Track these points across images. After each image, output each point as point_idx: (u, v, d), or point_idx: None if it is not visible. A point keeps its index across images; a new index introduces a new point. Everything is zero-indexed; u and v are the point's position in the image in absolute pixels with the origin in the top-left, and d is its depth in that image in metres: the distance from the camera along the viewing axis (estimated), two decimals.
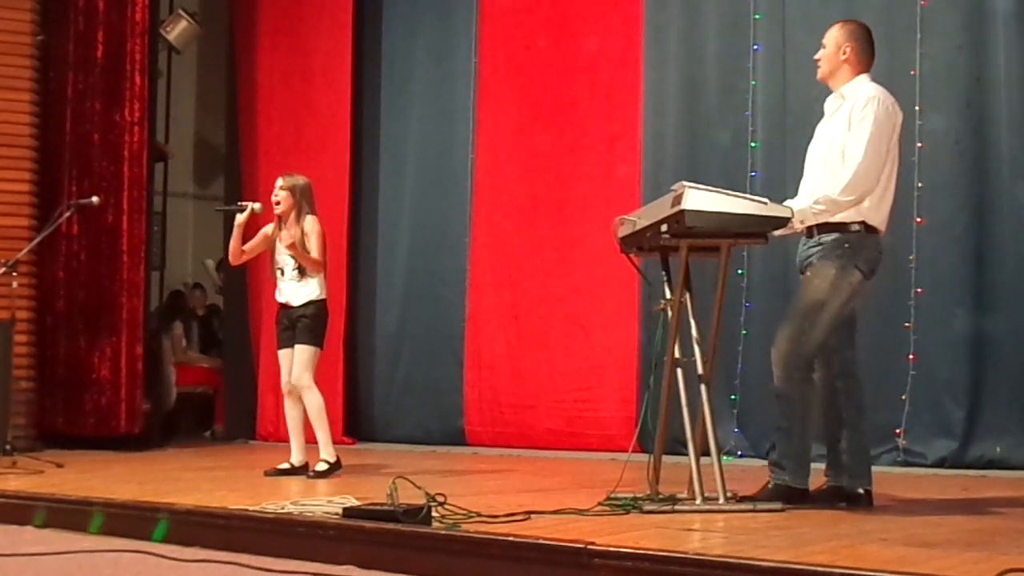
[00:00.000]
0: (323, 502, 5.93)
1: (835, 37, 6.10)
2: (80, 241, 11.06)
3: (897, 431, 8.27)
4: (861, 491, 5.94)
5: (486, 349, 10.70)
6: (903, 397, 8.28)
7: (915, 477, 7.76)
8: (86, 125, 11.13)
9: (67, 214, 9.81)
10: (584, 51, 10.21)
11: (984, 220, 8.19)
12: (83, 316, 11.02)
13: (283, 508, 5.72)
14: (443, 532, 4.92)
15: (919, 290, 8.30)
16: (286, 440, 11.36)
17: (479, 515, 5.23)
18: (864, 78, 6.04)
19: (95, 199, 9.60)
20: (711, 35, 9.54)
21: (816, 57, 6.17)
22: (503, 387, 10.54)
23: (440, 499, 5.32)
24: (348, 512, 5.37)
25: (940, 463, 8.10)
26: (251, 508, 5.78)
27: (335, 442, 8.16)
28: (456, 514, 5.24)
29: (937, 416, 8.22)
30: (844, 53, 6.05)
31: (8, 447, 8.97)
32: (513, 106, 10.70)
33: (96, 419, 10.91)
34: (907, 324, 8.30)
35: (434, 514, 5.15)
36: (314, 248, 8.02)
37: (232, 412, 12.59)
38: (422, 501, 5.19)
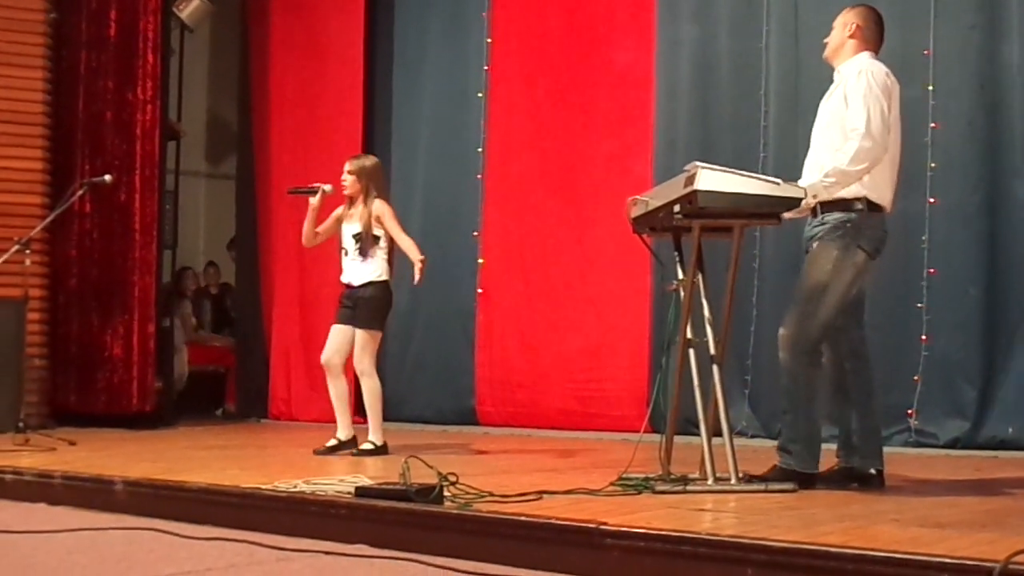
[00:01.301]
0: (335, 481, 5.94)
1: (843, 17, 6.14)
2: (93, 219, 11.07)
3: (909, 412, 8.26)
4: (873, 472, 5.95)
5: (498, 329, 10.70)
6: (915, 378, 8.27)
7: (927, 458, 7.76)
8: (98, 103, 11.13)
9: (80, 192, 9.81)
10: (597, 31, 10.18)
11: (997, 200, 8.17)
12: (95, 294, 11.03)
13: (295, 487, 5.74)
14: (455, 512, 4.94)
15: (932, 270, 8.28)
16: (298, 419, 11.49)
17: (491, 495, 5.24)
18: (864, 56, 6.03)
19: (108, 177, 9.60)
20: (724, 15, 9.51)
21: (825, 40, 6.19)
22: (515, 367, 10.54)
23: (452, 479, 5.34)
24: (360, 491, 5.38)
25: (952, 444, 8.10)
26: (264, 487, 5.80)
27: (359, 421, 8.19)
28: (468, 494, 5.25)
29: (949, 397, 8.21)
30: (849, 30, 6.07)
31: (21, 424, 8.97)
32: (525, 86, 10.67)
33: (108, 397, 10.92)
34: (919, 304, 8.28)
35: (446, 494, 5.16)
36: (392, 229, 8.08)
37: (244, 391, 12.62)
38: (434, 481, 5.20)
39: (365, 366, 8.03)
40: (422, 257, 7.95)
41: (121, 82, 11.10)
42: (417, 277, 7.93)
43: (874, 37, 6.10)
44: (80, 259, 11.08)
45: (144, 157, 11.03)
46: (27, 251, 9.25)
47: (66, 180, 10.62)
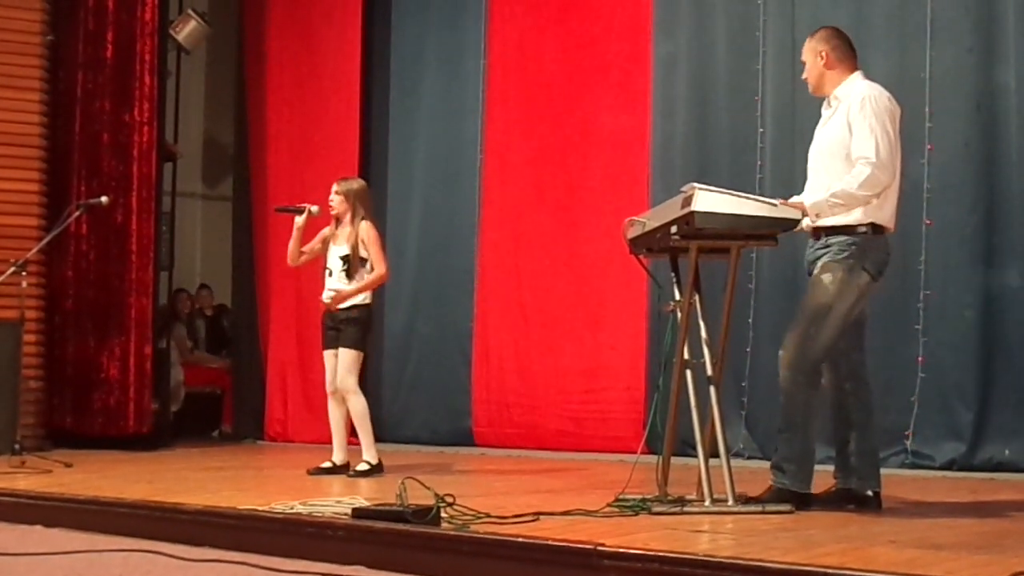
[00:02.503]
0: (332, 502, 5.94)
1: (810, 48, 6.12)
2: (89, 241, 11.07)
3: (906, 433, 8.25)
4: (870, 493, 5.95)
5: (494, 349, 10.70)
6: (912, 399, 8.26)
7: (924, 479, 7.75)
8: (95, 125, 11.13)
9: (76, 214, 9.81)
10: (593, 51, 10.20)
11: (993, 222, 8.17)
12: (92, 316, 11.02)
13: (292, 508, 5.73)
14: (452, 533, 4.93)
15: (928, 292, 8.28)
16: (294, 440, 11.48)
17: (488, 516, 5.24)
18: (856, 76, 6.04)
19: (104, 199, 9.59)
20: (720, 36, 9.53)
21: (804, 76, 6.18)
22: (511, 387, 10.54)
23: (449, 500, 5.33)
24: (357, 512, 5.38)
25: (949, 465, 8.08)
26: (260, 508, 5.79)
27: (356, 443, 8.20)
28: (465, 515, 5.25)
29: (946, 418, 8.21)
30: (822, 58, 6.05)
31: (17, 446, 8.98)
32: (522, 106, 10.69)
33: (105, 419, 10.91)
34: (916, 326, 8.28)
35: (443, 515, 5.16)
36: (372, 255, 8.13)
37: (240, 412, 12.61)
38: (431, 502, 5.20)
39: (349, 385, 8.09)
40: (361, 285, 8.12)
41: (118, 104, 11.11)
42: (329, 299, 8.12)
43: (847, 55, 6.08)
44: (76, 280, 11.08)
45: (141, 178, 11.04)
46: (23, 273, 9.25)
47: (62, 202, 10.63)
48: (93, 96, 11.17)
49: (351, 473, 7.99)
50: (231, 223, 13.02)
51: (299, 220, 8.35)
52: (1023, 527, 5.50)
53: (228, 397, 13.06)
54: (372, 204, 8.54)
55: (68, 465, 8.61)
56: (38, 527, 6.40)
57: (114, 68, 11.15)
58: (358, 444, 8.16)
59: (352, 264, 8.13)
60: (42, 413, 10.77)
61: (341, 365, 8.09)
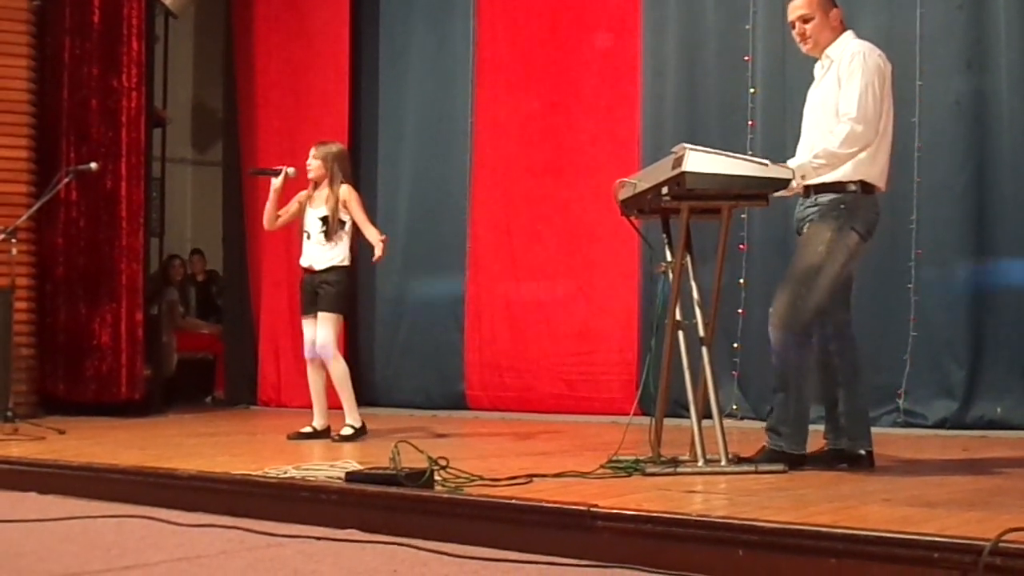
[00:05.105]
0: (326, 467, 5.94)
1: (819, 5, 6.01)
2: (79, 207, 11.04)
3: (898, 392, 8.27)
4: (862, 452, 5.94)
5: (486, 313, 10.70)
6: (904, 358, 8.27)
7: (916, 438, 7.76)
8: (84, 91, 11.09)
9: (66, 180, 9.77)
10: (583, 12, 10.17)
11: (984, 180, 8.17)
12: (83, 282, 11.01)
13: (285, 473, 5.73)
14: (446, 496, 4.93)
15: (919, 251, 8.29)
16: (287, 405, 11.48)
17: (482, 479, 5.24)
18: (849, 35, 6.00)
19: (93, 165, 9.57)
20: None
21: (802, 33, 6.06)
22: (504, 351, 10.54)
23: (442, 463, 5.33)
24: (351, 476, 5.38)
25: (941, 424, 8.10)
26: (254, 473, 5.79)
27: (337, 407, 8.19)
28: (459, 478, 5.25)
29: (938, 377, 8.22)
30: (834, 19, 6.00)
31: (9, 414, 8.98)
32: (512, 68, 10.66)
33: (97, 385, 10.91)
34: (908, 285, 8.29)
35: (437, 478, 5.16)
36: (357, 216, 8.07)
37: (233, 378, 12.60)
38: (424, 465, 5.20)
39: (329, 350, 8.06)
40: (383, 237, 7.99)
41: (106, 69, 11.06)
42: (378, 253, 7.96)
43: (836, 13, 6.05)
44: (67, 247, 11.05)
45: (130, 144, 11.01)
46: (13, 240, 9.25)
47: (52, 168, 10.59)
48: (81, 62, 11.12)
49: (335, 437, 7.97)
50: (221, 188, 12.99)
51: (276, 182, 8.26)
52: (1015, 484, 5.51)
53: (220, 363, 13.06)
54: (351, 168, 8.47)
55: (61, 432, 8.60)
56: (32, 494, 6.40)
57: (101, 33, 11.10)
58: (341, 408, 8.15)
59: (331, 226, 8.06)
60: (34, 380, 10.77)
61: (320, 329, 8.04)
